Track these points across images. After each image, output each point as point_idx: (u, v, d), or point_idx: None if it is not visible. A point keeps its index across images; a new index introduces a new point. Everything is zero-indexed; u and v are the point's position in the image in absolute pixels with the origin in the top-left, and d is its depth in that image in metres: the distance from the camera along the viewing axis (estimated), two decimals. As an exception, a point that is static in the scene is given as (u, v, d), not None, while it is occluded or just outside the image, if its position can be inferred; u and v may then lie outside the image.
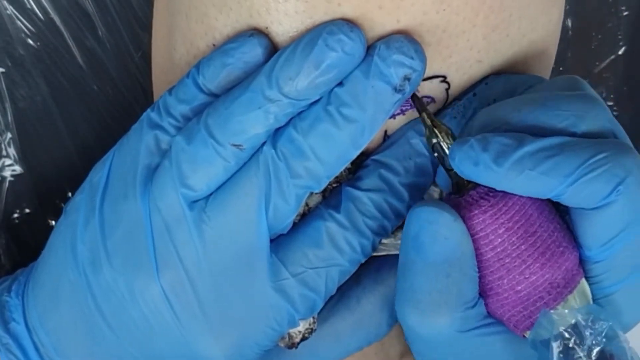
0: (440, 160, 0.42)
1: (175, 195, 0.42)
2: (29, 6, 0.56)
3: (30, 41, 0.56)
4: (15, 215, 0.58)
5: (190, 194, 0.42)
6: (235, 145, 0.41)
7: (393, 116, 0.44)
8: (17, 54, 0.56)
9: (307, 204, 0.44)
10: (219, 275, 0.42)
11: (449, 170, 0.41)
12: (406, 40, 0.41)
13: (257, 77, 0.41)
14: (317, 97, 0.41)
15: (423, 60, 0.41)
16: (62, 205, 0.58)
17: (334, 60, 0.40)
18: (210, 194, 0.42)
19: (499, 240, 0.40)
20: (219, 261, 0.42)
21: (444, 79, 0.44)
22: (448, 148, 0.41)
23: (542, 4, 0.45)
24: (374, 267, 0.45)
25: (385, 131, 0.45)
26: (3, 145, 0.57)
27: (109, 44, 0.58)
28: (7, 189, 0.57)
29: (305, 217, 0.43)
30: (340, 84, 0.41)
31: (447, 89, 0.44)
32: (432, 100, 0.44)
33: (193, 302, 0.42)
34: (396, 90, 0.41)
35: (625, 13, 0.64)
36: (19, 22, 0.56)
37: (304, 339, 0.45)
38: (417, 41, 0.41)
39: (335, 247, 0.42)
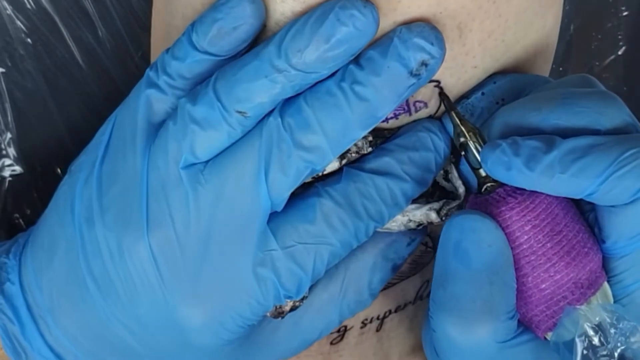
0: (467, 159, 0.42)
1: (177, 155, 0.42)
2: (28, 6, 0.56)
3: (30, 41, 0.56)
4: (15, 215, 0.58)
5: (191, 157, 0.42)
6: (239, 112, 0.41)
7: (386, 120, 0.44)
8: (17, 54, 0.56)
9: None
10: (209, 240, 0.42)
11: (475, 169, 0.42)
12: (427, 26, 0.41)
13: (267, 46, 0.41)
14: (326, 72, 0.41)
15: (442, 47, 0.41)
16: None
17: (344, 35, 0.40)
18: (210, 159, 0.42)
19: (525, 237, 0.40)
20: (211, 226, 0.42)
21: (437, 83, 0.44)
22: (475, 147, 0.42)
23: (537, 8, 0.45)
24: None
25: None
26: (3, 145, 0.57)
27: (109, 44, 0.58)
28: (7, 189, 0.57)
29: (301, 194, 0.43)
30: (356, 61, 0.41)
31: (440, 94, 0.44)
32: (425, 105, 0.44)
33: (179, 264, 0.42)
34: (412, 74, 0.41)
35: (625, 13, 0.64)
36: (18, 22, 0.56)
37: (293, 308, 0.44)
38: (439, 29, 0.41)
39: (328, 224, 0.42)
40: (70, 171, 0.46)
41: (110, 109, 0.58)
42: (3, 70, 0.56)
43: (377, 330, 0.50)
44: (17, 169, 0.57)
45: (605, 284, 0.41)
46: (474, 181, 0.43)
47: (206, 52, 0.42)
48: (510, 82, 0.44)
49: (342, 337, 0.49)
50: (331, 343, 0.49)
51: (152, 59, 0.51)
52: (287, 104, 0.41)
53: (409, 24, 0.41)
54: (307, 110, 0.41)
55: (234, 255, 0.42)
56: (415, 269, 0.49)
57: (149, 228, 0.42)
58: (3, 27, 0.56)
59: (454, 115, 0.42)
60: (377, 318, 0.50)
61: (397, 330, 0.51)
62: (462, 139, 0.42)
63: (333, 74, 0.41)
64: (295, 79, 0.40)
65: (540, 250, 0.40)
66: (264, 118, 0.41)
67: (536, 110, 0.41)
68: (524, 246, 0.40)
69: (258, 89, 0.41)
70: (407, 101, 0.44)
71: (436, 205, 0.45)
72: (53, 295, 0.44)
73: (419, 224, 0.45)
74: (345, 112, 0.40)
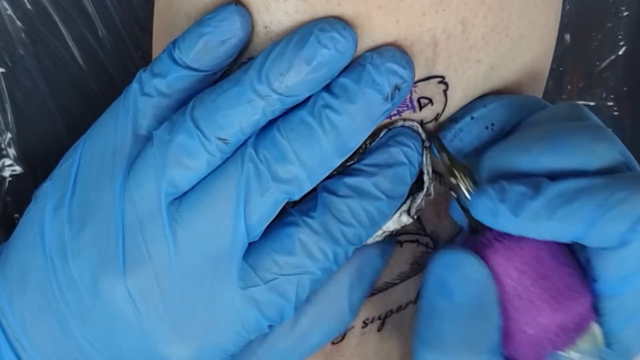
0: (458, 200, 0.42)
1: (155, 188, 0.41)
2: (28, 6, 0.56)
3: (30, 41, 0.56)
4: (15, 215, 0.58)
5: (171, 189, 0.41)
6: (220, 139, 0.40)
7: (389, 117, 0.44)
8: (17, 54, 0.56)
9: None
10: (188, 277, 0.41)
11: (466, 210, 0.42)
12: (397, 50, 0.41)
13: (248, 71, 0.40)
14: (306, 95, 0.41)
15: (413, 71, 0.41)
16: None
17: (325, 58, 0.40)
18: (185, 192, 0.41)
19: (511, 282, 0.40)
20: (190, 263, 0.41)
21: (442, 79, 0.44)
22: (466, 189, 0.41)
23: (540, 6, 0.45)
24: None
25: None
26: (3, 145, 0.57)
27: (109, 44, 0.58)
28: (7, 189, 0.57)
29: (277, 221, 0.42)
30: (328, 89, 0.41)
31: (445, 90, 0.44)
32: (430, 102, 0.44)
33: (159, 303, 0.41)
34: (386, 99, 0.41)
35: (625, 13, 0.64)
36: (18, 22, 0.56)
37: None
38: (407, 52, 0.41)
39: (308, 254, 0.42)
40: (35, 197, 0.45)
41: (111, 109, 0.58)
42: (3, 70, 0.56)
43: (379, 330, 0.50)
44: (17, 169, 0.57)
45: (595, 325, 0.40)
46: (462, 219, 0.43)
47: (189, 68, 0.42)
48: (502, 106, 0.44)
49: (343, 337, 0.49)
50: (332, 343, 0.49)
51: (153, 59, 0.51)
52: (261, 134, 0.41)
53: (378, 49, 0.41)
54: (282, 141, 0.40)
55: (214, 291, 0.42)
56: (417, 269, 0.49)
57: (126, 269, 0.41)
58: (3, 27, 0.56)
59: (445, 157, 0.42)
60: (379, 318, 0.50)
61: (399, 330, 0.51)
62: (452, 180, 0.42)
63: (304, 102, 0.41)
64: (276, 103, 0.40)
65: (525, 295, 0.40)
66: (240, 145, 0.41)
67: (525, 152, 0.40)
68: (510, 291, 0.40)
69: (240, 115, 0.40)
70: (411, 97, 0.43)
71: (405, 206, 0.44)
72: (27, 320, 0.44)
73: (393, 232, 0.45)
74: (322, 141, 0.40)
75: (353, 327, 0.49)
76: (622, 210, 0.38)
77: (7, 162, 0.57)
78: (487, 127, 0.44)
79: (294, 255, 0.42)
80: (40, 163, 0.58)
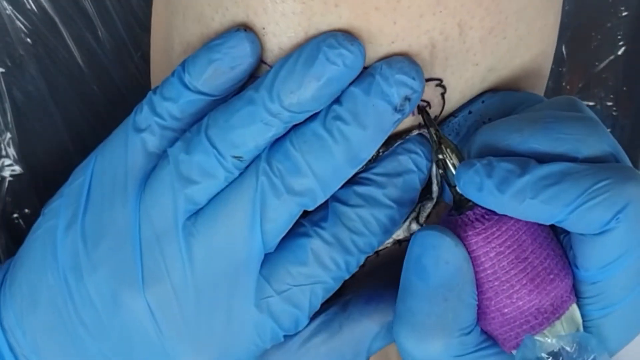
0: (444, 176, 0.42)
1: (172, 205, 0.42)
2: (28, 6, 0.56)
3: (30, 41, 0.56)
4: (15, 215, 0.58)
5: (189, 206, 0.42)
6: (236, 157, 0.41)
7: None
8: (17, 54, 0.56)
9: None
10: (206, 290, 0.42)
11: (451, 186, 0.42)
12: (407, 61, 0.41)
13: (259, 90, 0.41)
14: (318, 110, 0.41)
15: (423, 81, 0.41)
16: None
17: (334, 74, 0.40)
18: (201, 207, 0.42)
19: (489, 263, 0.40)
20: (207, 277, 0.42)
21: (439, 82, 0.44)
22: (453, 165, 0.42)
23: (539, 7, 0.45)
24: (364, 298, 0.45)
25: None
26: (3, 145, 0.57)
27: (109, 44, 0.58)
28: (6, 189, 0.57)
29: (289, 232, 0.43)
30: (338, 101, 0.41)
31: (442, 93, 0.44)
32: (428, 104, 0.44)
33: (177, 316, 0.42)
34: (396, 110, 0.41)
35: (625, 13, 0.64)
36: (18, 22, 0.56)
37: None
38: (418, 63, 0.42)
39: (320, 264, 0.42)
40: (44, 214, 0.45)
41: (110, 109, 0.58)
42: (3, 70, 0.56)
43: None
44: (17, 169, 0.57)
45: (574, 307, 0.41)
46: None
47: (200, 92, 0.42)
48: (499, 101, 0.44)
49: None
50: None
51: (152, 59, 0.51)
52: (274, 147, 0.42)
53: (388, 59, 0.41)
54: (295, 154, 0.41)
55: (231, 304, 0.42)
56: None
57: (145, 283, 0.42)
58: (3, 28, 0.56)
59: (432, 131, 0.42)
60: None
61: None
62: (440, 156, 0.42)
63: (316, 113, 0.41)
64: (288, 120, 0.41)
65: (503, 276, 0.40)
66: (254, 159, 0.42)
67: (517, 132, 0.41)
68: (489, 271, 0.40)
69: (253, 134, 0.41)
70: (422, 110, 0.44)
71: (414, 214, 0.45)
72: (38, 339, 0.44)
73: (402, 240, 0.45)
74: (334, 153, 0.41)
75: None
76: (607, 198, 0.38)
77: (7, 162, 0.57)
78: (484, 122, 0.44)
79: (306, 266, 0.42)
80: (40, 163, 0.58)
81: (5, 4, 0.55)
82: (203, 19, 0.44)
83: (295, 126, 0.42)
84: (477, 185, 0.40)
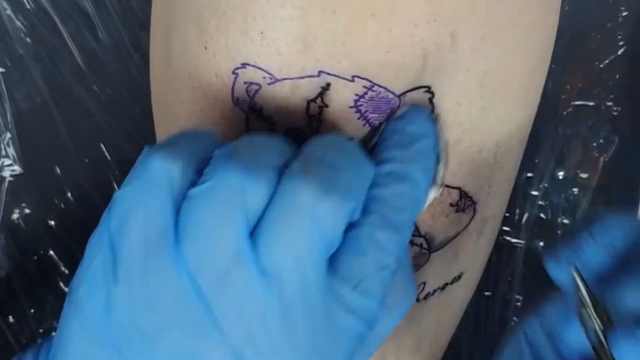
0: (585, 331, 0.40)
1: (225, 236, 0.36)
2: (28, 6, 0.56)
3: (29, 41, 0.57)
4: (15, 215, 0.58)
5: (246, 226, 0.37)
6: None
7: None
8: (17, 54, 0.56)
9: None
10: (295, 311, 0.37)
11: (593, 347, 0.39)
12: None
13: None
14: None
15: None
16: (62, 205, 0.59)
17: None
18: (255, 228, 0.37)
19: None
20: (284, 303, 0.37)
21: (428, 89, 0.44)
22: (596, 323, 0.39)
23: (537, 9, 0.45)
24: None
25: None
26: (3, 145, 0.57)
27: (109, 44, 0.58)
28: (6, 189, 0.57)
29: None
30: None
31: (430, 99, 0.44)
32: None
33: (266, 351, 0.37)
34: None
35: (625, 13, 0.64)
36: (18, 23, 0.56)
37: None
38: None
39: (380, 249, 0.39)
40: (71, 302, 0.38)
41: (110, 109, 0.58)
42: (3, 70, 0.56)
43: (375, 331, 0.50)
44: (17, 169, 0.57)
45: None
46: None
47: None
48: (622, 227, 0.42)
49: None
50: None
51: (151, 60, 0.51)
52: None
53: None
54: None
55: (319, 321, 0.37)
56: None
57: (224, 331, 0.36)
58: (3, 27, 0.56)
59: (585, 292, 0.40)
60: (375, 319, 0.50)
61: (394, 331, 0.51)
62: (582, 310, 0.39)
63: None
64: None
65: None
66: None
67: None
68: None
69: None
70: (399, 105, 0.44)
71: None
72: None
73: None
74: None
75: None
76: None
77: (7, 162, 0.57)
78: (609, 255, 0.42)
79: (368, 254, 0.38)
80: (40, 163, 0.58)
81: (5, 4, 0.55)
82: (200, 22, 0.44)
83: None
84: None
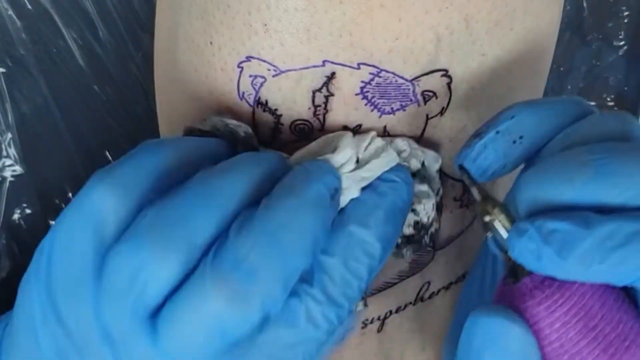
0: (494, 240, 0.38)
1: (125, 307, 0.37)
2: (29, 7, 0.56)
3: (30, 41, 0.56)
4: (15, 215, 0.58)
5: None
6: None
7: (393, 112, 0.44)
8: (17, 54, 0.56)
9: None
10: None
11: (503, 251, 0.38)
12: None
13: None
14: None
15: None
16: (63, 205, 0.59)
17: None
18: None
19: (555, 335, 0.36)
20: None
21: (445, 72, 0.43)
22: (503, 226, 0.38)
23: (546, 1, 0.45)
24: None
25: (385, 126, 0.45)
26: (3, 146, 0.57)
27: (109, 44, 0.58)
28: (7, 189, 0.57)
29: None
30: None
31: (448, 83, 0.44)
32: (434, 95, 0.44)
33: None
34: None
35: (626, 13, 0.64)
36: (19, 23, 0.56)
37: None
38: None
39: (313, 324, 0.38)
40: (22, 290, 0.40)
41: (110, 109, 0.58)
42: (3, 70, 0.56)
43: (378, 331, 0.50)
44: (18, 169, 0.57)
45: None
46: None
47: None
48: (531, 115, 0.40)
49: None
50: (332, 343, 0.49)
51: (155, 60, 0.51)
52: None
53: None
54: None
55: None
56: (415, 268, 0.49)
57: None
58: (3, 27, 0.56)
59: (476, 191, 0.39)
60: (378, 319, 0.50)
61: (398, 331, 0.51)
62: (486, 218, 0.38)
63: None
64: None
65: (573, 349, 0.36)
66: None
67: (568, 183, 0.36)
68: (555, 345, 0.36)
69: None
70: (414, 91, 0.43)
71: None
72: None
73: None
74: None
75: (352, 327, 0.49)
76: None
77: (8, 162, 0.57)
78: (514, 142, 0.40)
79: (298, 328, 0.38)
80: (40, 163, 0.58)
81: (5, 4, 0.55)
82: (206, 16, 0.44)
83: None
84: (534, 254, 0.36)
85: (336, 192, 0.39)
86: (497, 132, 0.40)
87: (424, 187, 0.44)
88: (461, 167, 0.40)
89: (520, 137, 0.40)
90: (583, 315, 0.36)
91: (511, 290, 0.37)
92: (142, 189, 0.38)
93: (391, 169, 0.41)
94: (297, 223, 0.37)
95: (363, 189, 0.40)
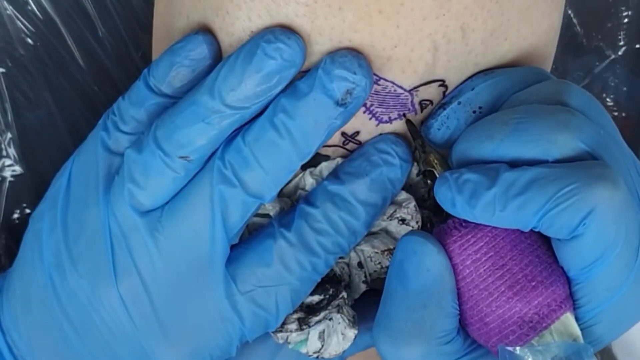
0: (432, 188, 0.42)
1: (128, 203, 0.42)
2: (29, 6, 0.56)
3: (30, 41, 0.56)
4: (15, 215, 0.58)
5: (140, 205, 0.42)
6: (182, 157, 0.42)
7: (390, 121, 0.44)
8: (17, 54, 0.56)
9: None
10: (174, 284, 0.42)
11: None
12: (350, 54, 0.41)
13: (200, 90, 0.41)
14: (262, 105, 0.41)
15: (367, 75, 0.41)
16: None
17: (273, 68, 0.40)
18: (166, 203, 0.43)
19: (467, 271, 0.40)
20: (174, 270, 0.42)
21: (442, 82, 0.44)
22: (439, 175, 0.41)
23: (543, 7, 0.45)
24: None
25: (381, 133, 0.45)
26: (3, 146, 0.57)
27: (109, 45, 0.58)
28: (7, 189, 0.57)
29: (257, 232, 0.43)
30: (285, 94, 0.41)
31: (444, 92, 0.44)
32: (431, 103, 0.44)
33: (149, 309, 0.43)
34: (338, 103, 0.41)
35: (625, 13, 0.64)
36: (19, 22, 0.56)
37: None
38: (363, 56, 0.41)
39: (285, 266, 0.42)
40: (32, 219, 0.46)
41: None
42: (3, 70, 0.56)
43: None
44: (18, 169, 0.57)
45: (567, 316, 0.39)
46: None
47: (164, 95, 0.43)
48: (490, 86, 0.43)
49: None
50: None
51: (153, 59, 0.51)
52: (228, 144, 0.42)
53: (333, 53, 0.41)
54: (245, 149, 0.41)
55: (200, 297, 0.43)
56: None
57: (117, 276, 0.43)
58: (3, 28, 0.56)
59: (419, 142, 0.42)
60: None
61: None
62: (427, 168, 0.42)
63: (267, 108, 0.42)
64: (231, 117, 0.41)
65: (481, 284, 0.39)
66: (210, 158, 0.42)
67: (489, 139, 0.40)
68: (467, 279, 0.40)
69: (197, 133, 0.41)
70: (412, 101, 0.44)
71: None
72: (31, 339, 0.45)
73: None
74: (280, 145, 0.41)
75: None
76: (572, 204, 0.38)
77: (8, 162, 0.57)
78: (474, 112, 0.43)
79: (270, 267, 0.42)
80: (40, 163, 0.58)
81: (5, 4, 0.55)
82: (204, 22, 0.44)
83: (249, 121, 0.42)
84: (450, 201, 0.40)
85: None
86: (459, 103, 0.43)
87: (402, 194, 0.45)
88: (407, 121, 0.44)
89: (480, 107, 0.43)
90: (492, 255, 0.40)
91: (439, 230, 0.41)
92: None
93: (387, 140, 0.44)
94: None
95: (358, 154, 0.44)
